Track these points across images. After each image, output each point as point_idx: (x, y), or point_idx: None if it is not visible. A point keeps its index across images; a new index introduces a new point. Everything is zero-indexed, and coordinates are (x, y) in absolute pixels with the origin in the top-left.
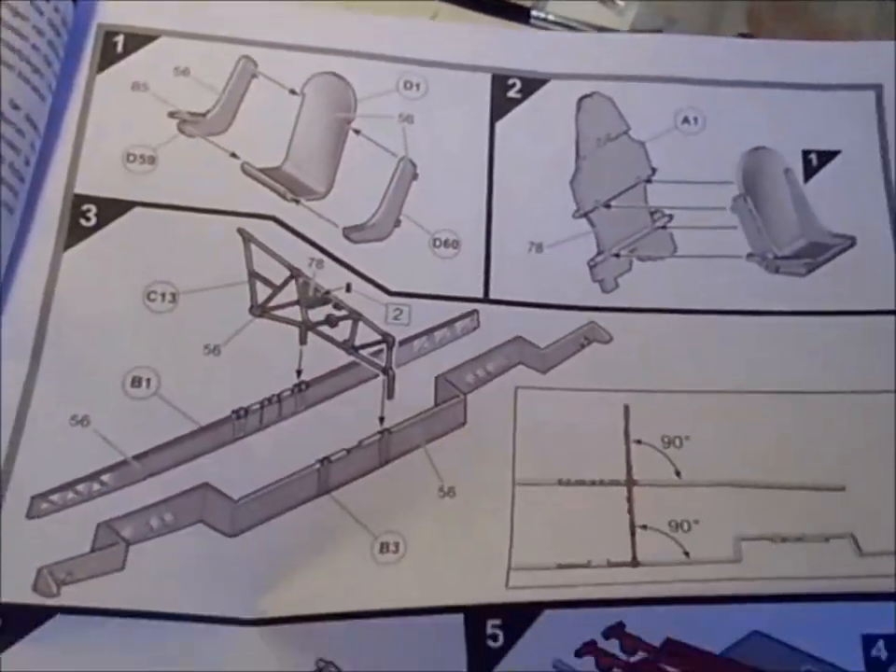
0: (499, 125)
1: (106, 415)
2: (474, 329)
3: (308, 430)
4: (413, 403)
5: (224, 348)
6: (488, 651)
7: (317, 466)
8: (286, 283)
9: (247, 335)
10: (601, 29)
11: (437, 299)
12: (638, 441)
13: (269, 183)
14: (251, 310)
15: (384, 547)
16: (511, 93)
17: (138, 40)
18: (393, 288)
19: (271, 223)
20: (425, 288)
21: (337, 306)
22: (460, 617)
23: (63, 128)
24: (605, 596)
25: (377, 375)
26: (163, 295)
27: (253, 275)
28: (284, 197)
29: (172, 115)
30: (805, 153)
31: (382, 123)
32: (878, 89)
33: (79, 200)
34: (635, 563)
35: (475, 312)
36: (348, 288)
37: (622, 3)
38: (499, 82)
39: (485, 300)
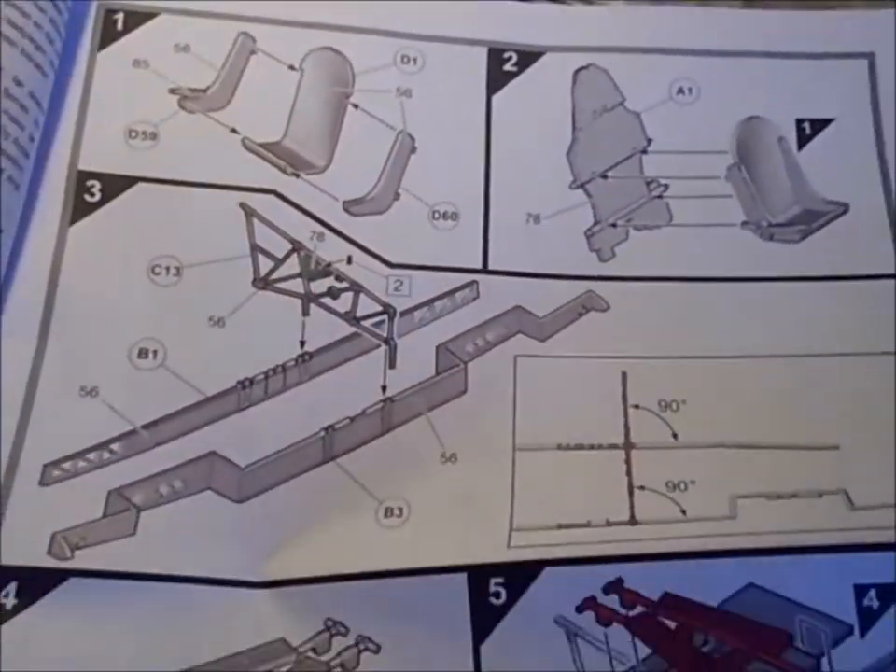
0: (496, 98)
1: (114, 386)
2: (474, 299)
3: (312, 399)
4: (415, 372)
5: (228, 320)
6: (491, 608)
7: (322, 434)
8: (287, 256)
9: (251, 307)
10: (595, 2)
11: (437, 270)
12: (636, 406)
13: (269, 158)
14: (254, 283)
15: (388, 511)
16: (508, 66)
17: (138, 18)
18: (393, 260)
19: (272, 197)
20: (424, 260)
21: (338, 278)
22: (464, 576)
23: (65, 105)
24: (604, 554)
25: (379, 345)
26: (168, 269)
27: (255, 249)
28: (284, 171)
29: (172, 91)
30: (799, 122)
31: (380, 97)
32: (871, 57)
33: (83, 176)
34: (633, 521)
35: (474, 282)
36: (349, 261)
37: None
38: (496, 56)
39: (484, 270)
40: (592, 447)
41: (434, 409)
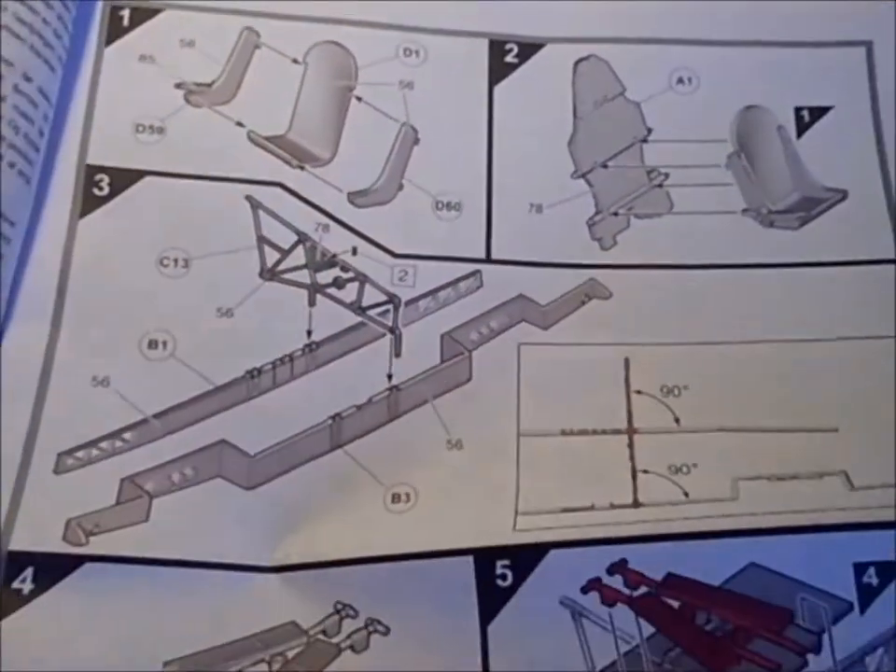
0: (498, 89)
1: (126, 376)
2: (477, 288)
3: (319, 388)
4: (420, 361)
5: (236, 311)
6: (498, 590)
7: (329, 422)
8: (293, 247)
9: (258, 298)
10: None
11: (441, 260)
12: (639, 392)
13: (274, 150)
14: (261, 274)
15: (395, 497)
16: (509, 58)
17: (144, 13)
18: (398, 251)
19: (277, 189)
20: (428, 250)
21: (344, 269)
22: (470, 559)
23: (73, 100)
24: (608, 535)
25: (384, 334)
26: (176, 260)
27: (262, 240)
28: (289, 164)
29: (178, 86)
30: (798, 110)
31: (383, 90)
32: (869, 45)
33: (92, 170)
34: (636, 504)
35: (478, 272)
36: (354, 251)
37: None
38: (497, 47)
39: (488, 260)
40: (595, 432)
41: (439, 396)
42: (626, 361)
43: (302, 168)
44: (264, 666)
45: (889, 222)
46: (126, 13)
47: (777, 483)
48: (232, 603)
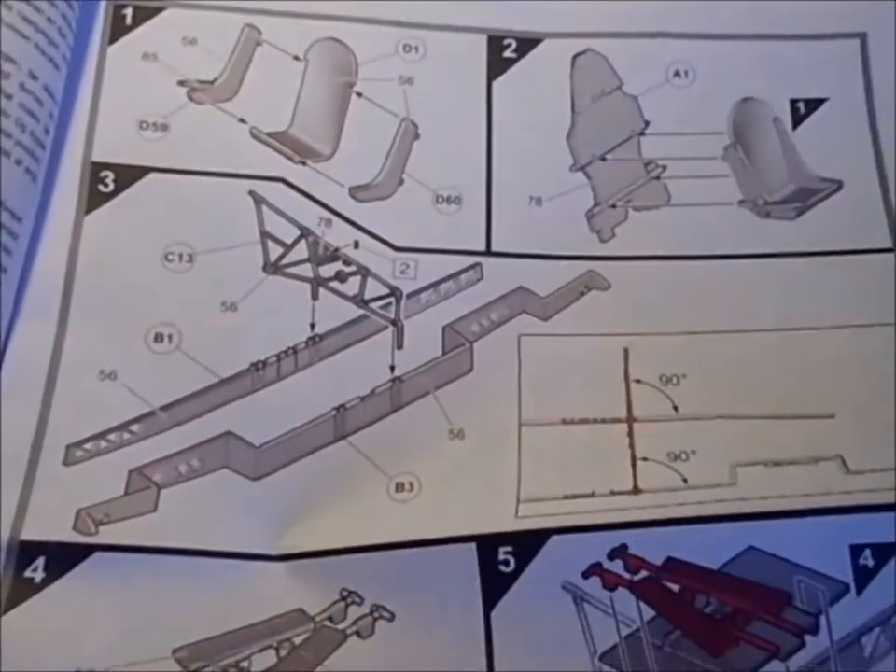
0: (496, 84)
1: (133, 370)
2: (478, 280)
3: (323, 380)
4: (422, 352)
5: (240, 305)
6: (500, 575)
7: (333, 413)
8: (296, 241)
9: (262, 292)
10: None
11: (441, 253)
12: (638, 381)
13: (277, 146)
14: (264, 268)
15: (399, 486)
16: (507, 53)
17: (146, 12)
18: (399, 244)
19: (280, 185)
20: (429, 243)
21: (346, 262)
22: (473, 546)
23: (78, 98)
24: (608, 521)
25: (387, 327)
26: (181, 255)
27: (265, 235)
28: (291, 159)
29: (181, 83)
30: (793, 102)
31: (383, 86)
32: (863, 37)
33: (97, 167)
34: (636, 490)
35: (478, 264)
36: (356, 245)
37: None
38: (495, 43)
39: (488, 252)
40: (595, 421)
41: (441, 387)
42: (626, 351)
43: (304, 163)
44: (272, 652)
45: (883, 212)
46: (129, 12)
47: (774, 469)
48: (240, 591)
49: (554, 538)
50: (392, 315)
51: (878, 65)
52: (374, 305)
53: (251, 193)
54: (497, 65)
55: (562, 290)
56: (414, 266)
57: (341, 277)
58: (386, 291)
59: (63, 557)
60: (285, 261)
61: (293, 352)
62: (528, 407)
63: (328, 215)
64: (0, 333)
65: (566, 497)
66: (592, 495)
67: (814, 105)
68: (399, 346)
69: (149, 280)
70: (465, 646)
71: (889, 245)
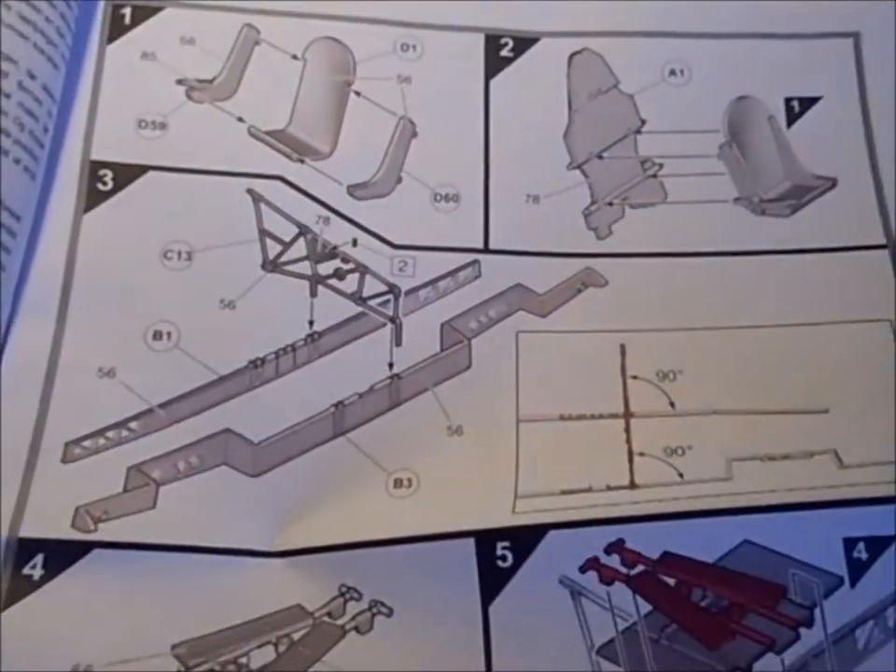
0: (494, 83)
1: (131, 367)
2: (476, 278)
3: (322, 377)
4: (420, 349)
5: (239, 302)
6: (498, 570)
7: (332, 410)
8: (295, 239)
9: (260, 290)
10: None
11: (439, 250)
12: (634, 377)
13: (275, 145)
14: (263, 266)
15: (397, 483)
16: (504, 52)
17: (145, 12)
18: (397, 242)
19: (278, 183)
20: (427, 241)
21: (345, 260)
22: (471, 541)
23: (77, 97)
24: (605, 516)
25: (385, 324)
26: (179, 253)
27: (263, 233)
28: (290, 158)
29: (180, 82)
30: (788, 100)
31: (381, 85)
32: (856, 36)
33: (96, 165)
34: (633, 485)
35: (476, 262)
36: (354, 243)
37: None
38: (492, 42)
39: (486, 250)
40: (593, 417)
41: (440, 384)
42: (622, 347)
43: (303, 162)
44: (270, 648)
45: (877, 209)
46: (127, 11)
47: (769, 463)
48: (239, 587)
49: (552, 533)
50: (390, 313)
51: (872, 64)
52: (373, 302)
53: (249, 191)
54: (495, 64)
55: (559, 287)
56: (413, 263)
57: (339, 275)
58: (385, 288)
59: (62, 554)
60: (283, 259)
61: (292, 349)
62: (526, 403)
63: (326, 213)
64: None
65: (563, 493)
66: (589, 490)
67: (808, 103)
68: (398, 343)
69: (148, 278)
70: (463, 641)
71: (882, 241)
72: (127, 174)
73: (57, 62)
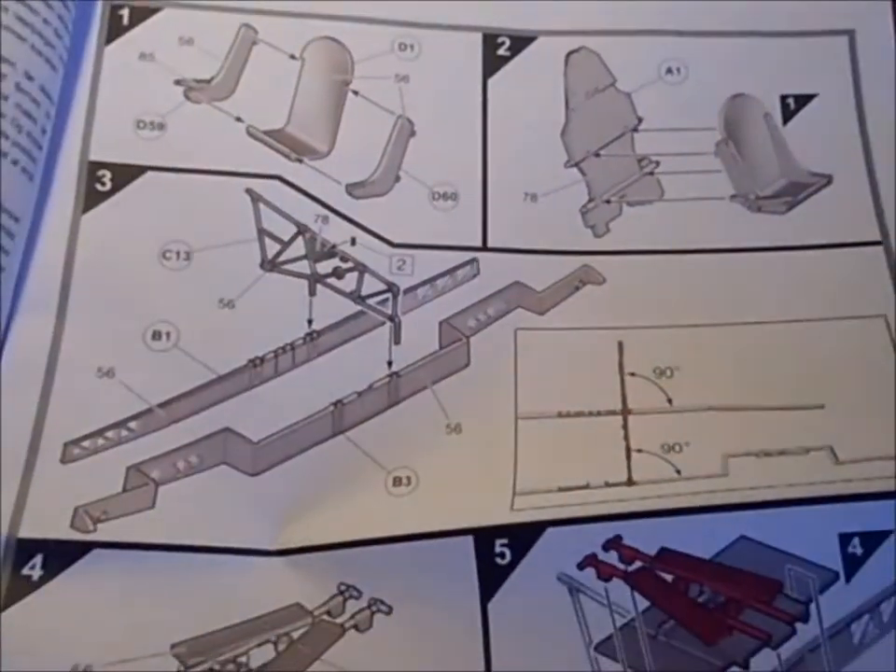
0: (491, 82)
1: (130, 367)
2: (474, 276)
3: (321, 376)
4: (419, 347)
5: (238, 302)
6: (497, 567)
7: (331, 408)
8: (293, 238)
9: (259, 289)
10: None
11: (438, 249)
12: (632, 374)
13: (273, 144)
14: (262, 265)
15: (396, 481)
16: (501, 51)
17: (143, 12)
18: (396, 240)
19: (277, 182)
20: (426, 239)
21: (343, 259)
22: (470, 538)
23: (75, 98)
24: (603, 513)
25: (384, 323)
26: (178, 253)
27: (262, 232)
28: (288, 157)
29: (178, 83)
30: (783, 98)
31: (379, 84)
32: (851, 34)
33: (94, 166)
34: (630, 482)
35: (475, 260)
36: (353, 242)
37: None
38: (490, 41)
39: (484, 248)
40: (591, 414)
41: (438, 382)
42: (620, 344)
43: (301, 161)
44: (270, 647)
45: (872, 205)
46: (125, 12)
47: (765, 459)
48: (238, 586)
49: (550, 530)
50: (389, 311)
51: (867, 62)
52: (371, 301)
53: (248, 191)
54: (492, 63)
55: (557, 285)
56: (411, 262)
57: (338, 273)
58: (383, 287)
59: (61, 555)
60: (282, 258)
61: (291, 348)
62: (525, 400)
63: (324, 212)
64: None
65: (561, 490)
66: (587, 486)
67: (804, 100)
68: (397, 342)
69: (147, 278)
70: (462, 638)
71: (877, 237)
72: (125, 174)
73: (55, 63)
